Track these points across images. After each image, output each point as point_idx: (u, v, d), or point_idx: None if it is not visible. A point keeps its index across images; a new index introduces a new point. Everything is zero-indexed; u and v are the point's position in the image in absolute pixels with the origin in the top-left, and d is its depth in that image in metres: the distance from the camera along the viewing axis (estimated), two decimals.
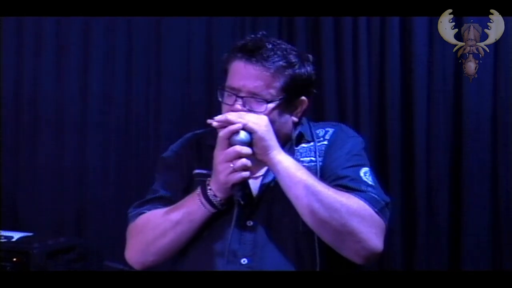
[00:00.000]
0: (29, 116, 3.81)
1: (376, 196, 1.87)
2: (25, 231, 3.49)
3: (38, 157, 3.79)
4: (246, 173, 1.86)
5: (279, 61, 1.92)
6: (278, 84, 1.92)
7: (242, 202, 1.90)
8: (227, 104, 1.94)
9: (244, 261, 1.89)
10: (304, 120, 2.07)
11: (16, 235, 3.39)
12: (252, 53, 1.91)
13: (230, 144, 1.85)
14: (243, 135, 1.85)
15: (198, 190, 1.92)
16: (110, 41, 3.75)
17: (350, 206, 1.82)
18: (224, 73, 1.99)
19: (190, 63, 3.66)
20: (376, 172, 3.22)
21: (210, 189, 1.90)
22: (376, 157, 3.31)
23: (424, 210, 3.26)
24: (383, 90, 3.34)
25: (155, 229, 1.95)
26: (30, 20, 3.76)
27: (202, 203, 1.91)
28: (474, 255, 3.17)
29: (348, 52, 3.38)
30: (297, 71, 1.95)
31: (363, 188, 1.88)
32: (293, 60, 1.95)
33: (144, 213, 2.00)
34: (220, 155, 1.87)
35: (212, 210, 1.91)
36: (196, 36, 3.64)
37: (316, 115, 3.35)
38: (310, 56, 2.03)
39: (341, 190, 1.86)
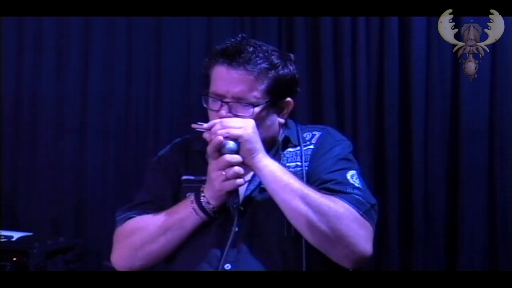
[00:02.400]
0: (29, 116, 3.78)
1: (360, 198, 1.84)
2: (24, 231, 3.49)
3: (37, 157, 3.77)
4: (240, 181, 1.84)
5: (261, 63, 1.88)
6: (262, 86, 1.88)
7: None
8: (213, 110, 1.91)
9: (228, 266, 1.85)
10: (291, 123, 2.04)
11: (16, 235, 3.38)
12: (234, 57, 1.87)
13: (221, 153, 1.83)
14: (231, 144, 1.83)
15: (192, 197, 1.90)
16: (110, 41, 3.72)
17: (337, 209, 1.79)
18: (206, 78, 1.95)
19: (189, 63, 3.63)
20: (374, 174, 3.23)
21: (203, 196, 1.88)
22: (373, 159, 3.30)
23: (421, 212, 3.22)
24: (382, 91, 3.29)
25: (144, 234, 1.92)
26: (31, 19, 3.74)
27: (194, 210, 1.88)
28: (470, 257, 3.13)
29: (347, 53, 3.34)
30: (280, 72, 1.91)
31: (349, 190, 1.85)
32: (276, 61, 1.91)
33: (132, 217, 1.97)
34: (212, 163, 1.86)
35: (205, 217, 1.89)
36: (195, 37, 3.61)
37: (314, 116, 3.34)
38: (292, 56, 1.99)
39: (326, 193, 1.83)
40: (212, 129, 1.84)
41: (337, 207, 1.79)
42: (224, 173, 1.82)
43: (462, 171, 3.16)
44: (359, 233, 1.80)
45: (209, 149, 1.84)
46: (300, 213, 1.79)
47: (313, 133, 2.01)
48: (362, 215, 1.82)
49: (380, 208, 3.37)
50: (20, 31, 3.79)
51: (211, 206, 1.88)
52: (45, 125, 3.76)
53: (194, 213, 1.88)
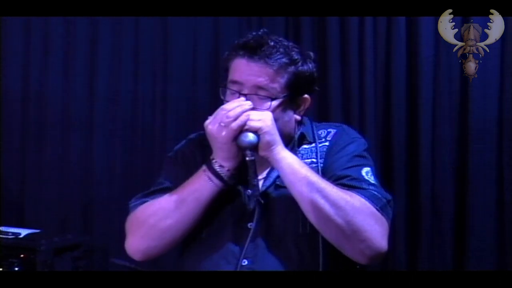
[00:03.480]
0: (36, 114, 3.77)
1: (377, 194, 1.81)
2: (32, 228, 3.46)
3: (44, 155, 3.75)
4: (235, 123, 1.80)
5: (281, 58, 1.86)
6: (281, 81, 1.87)
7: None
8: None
9: (244, 262, 1.84)
10: (306, 120, 2.03)
11: (23, 232, 3.36)
12: (255, 51, 1.86)
13: (238, 145, 1.81)
14: (251, 136, 1.80)
15: (204, 167, 1.86)
16: (117, 40, 3.70)
17: (354, 203, 1.76)
18: (225, 71, 1.93)
19: (196, 62, 3.60)
20: (381, 172, 3.12)
21: (215, 161, 1.85)
22: (381, 158, 3.24)
23: (429, 211, 3.18)
24: (389, 90, 3.25)
25: (157, 212, 1.87)
26: (38, 18, 3.72)
27: (209, 177, 1.84)
28: (478, 256, 3.09)
29: (354, 52, 3.29)
30: (300, 68, 1.90)
31: (364, 186, 1.82)
32: (296, 57, 1.89)
33: (147, 201, 1.92)
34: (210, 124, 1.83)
35: (220, 184, 1.85)
36: (202, 36, 3.59)
37: (321, 115, 3.28)
38: (312, 54, 1.98)
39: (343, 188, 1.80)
40: (231, 112, 1.81)
41: (354, 201, 1.77)
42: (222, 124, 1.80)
43: (470, 169, 3.11)
44: (375, 228, 1.77)
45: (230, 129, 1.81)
46: (316, 206, 1.76)
47: (328, 130, 1.99)
48: (378, 210, 1.79)
49: None
50: (27, 30, 3.77)
51: (225, 169, 1.84)
52: (52, 123, 3.74)
53: (209, 180, 1.84)
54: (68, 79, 3.73)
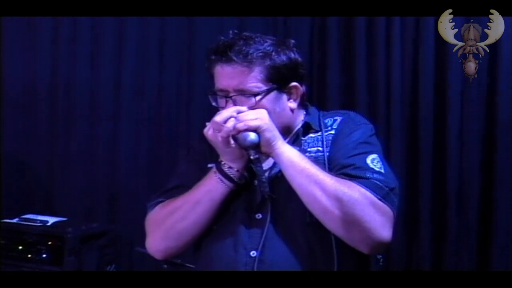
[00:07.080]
0: (63, 105, 3.72)
1: (378, 183, 1.73)
2: (59, 216, 3.43)
3: (72, 145, 3.71)
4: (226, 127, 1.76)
5: (253, 53, 1.79)
6: (261, 75, 1.80)
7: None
8: (221, 107, 1.84)
9: (253, 253, 1.79)
10: (312, 109, 1.97)
11: (51, 220, 3.33)
12: (225, 53, 1.80)
13: (241, 145, 1.77)
14: (252, 135, 1.75)
15: (214, 168, 1.82)
16: (143, 32, 3.65)
17: (352, 195, 1.70)
18: (212, 78, 1.88)
19: None
20: (407, 165, 3.11)
21: (224, 164, 1.81)
22: (407, 153, 3.17)
23: (454, 205, 3.07)
24: (416, 85, 3.15)
25: (174, 213, 1.84)
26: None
27: (220, 179, 1.80)
28: (504, 253, 2.98)
29: (381, 44, 3.20)
30: (276, 59, 1.82)
31: (368, 175, 1.74)
32: (268, 49, 1.82)
33: (162, 201, 1.89)
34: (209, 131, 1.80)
35: (231, 185, 1.81)
36: (227, 28, 3.48)
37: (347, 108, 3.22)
38: (292, 41, 1.90)
39: (344, 179, 1.74)
40: (218, 117, 1.77)
41: (352, 192, 1.71)
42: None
43: (497, 166, 3.00)
44: (375, 218, 1.70)
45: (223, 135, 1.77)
46: (315, 198, 1.72)
47: (335, 118, 1.92)
48: (380, 200, 1.72)
49: (412, 201, 3.19)
50: (55, 21, 3.71)
51: (234, 170, 1.81)
52: (80, 113, 3.71)
53: (221, 182, 1.81)
54: (95, 70, 3.68)
